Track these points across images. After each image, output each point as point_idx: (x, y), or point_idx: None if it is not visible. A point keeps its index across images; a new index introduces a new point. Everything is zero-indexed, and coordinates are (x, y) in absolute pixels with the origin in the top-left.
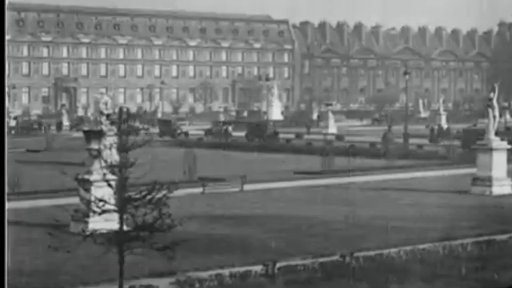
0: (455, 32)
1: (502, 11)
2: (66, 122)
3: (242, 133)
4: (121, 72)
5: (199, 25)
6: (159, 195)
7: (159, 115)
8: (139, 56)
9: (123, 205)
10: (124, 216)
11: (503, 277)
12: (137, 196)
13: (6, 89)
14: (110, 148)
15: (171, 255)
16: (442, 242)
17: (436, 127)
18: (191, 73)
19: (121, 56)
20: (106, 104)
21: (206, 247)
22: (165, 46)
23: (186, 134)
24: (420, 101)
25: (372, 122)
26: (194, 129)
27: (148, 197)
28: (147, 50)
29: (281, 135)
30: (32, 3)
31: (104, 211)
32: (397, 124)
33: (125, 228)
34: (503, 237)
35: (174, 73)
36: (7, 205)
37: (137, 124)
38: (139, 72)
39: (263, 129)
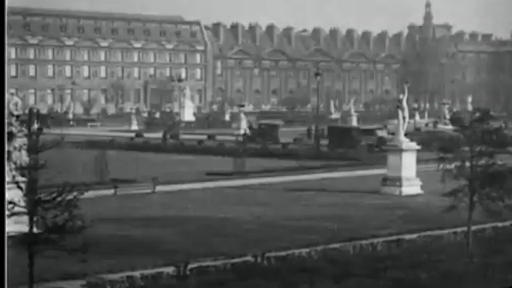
0: (365, 34)
1: (412, 14)
2: None
3: (156, 135)
4: (32, 73)
5: (110, 25)
6: (70, 196)
7: (70, 116)
8: (50, 56)
9: (33, 207)
10: (34, 218)
11: (411, 275)
12: (47, 198)
13: (6, 89)
14: (19, 150)
15: (82, 257)
16: (353, 242)
17: (313, 127)
18: (103, 74)
19: (31, 56)
20: (16, 105)
21: (118, 248)
22: (76, 46)
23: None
24: (332, 102)
25: (284, 123)
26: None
27: (59, 199)
28: (58, 51)
29: (193, 136)
30: None
31: (13, 214)
32: (308, 125)
33: (35, 230)
34: (412, 236)
35: (85, 73)
36: None
37: None
38: (50, 73)
39: None
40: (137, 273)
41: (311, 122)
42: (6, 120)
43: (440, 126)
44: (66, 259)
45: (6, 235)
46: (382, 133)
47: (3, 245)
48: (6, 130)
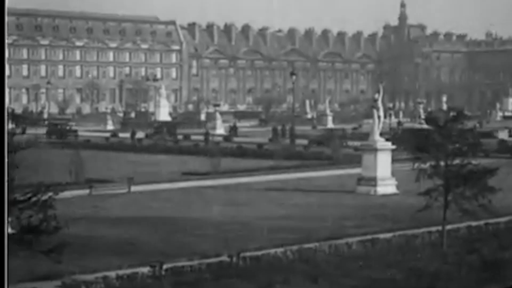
0: (341, 34)
1: (387, 14)
2: None
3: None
4: (6, 72)
5: (86, 25)
6: (45, 197)
7: (46, 115)
8: (25, 56)
9: (7, 207)
10: (9, 219)
11: (386, 275)
12: (22, 198)
13: (6, 89)
14: None
15: (57, 258)
16: (328, 242)
17: (279, 127)
18: (78, 74)
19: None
20: None
21: (93, 249)
22: (52, 46)
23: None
24: (307, 102)
25: (259, 123)
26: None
27: (34, 199)
28: (33, 50)
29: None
30: None
31: None
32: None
33: (9, 231)
34: (387, 235)
35: (60, 73)
36: None
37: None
38: (25, 72)
39: (62, 130)
40: (112, 273)
41: (285, 122)
42: (6, 120)
43: (416, 126)
44: (40, 259)
45: (6, 235)
46: (503, 135)
47: (3, 245)
48: (6, 131)
